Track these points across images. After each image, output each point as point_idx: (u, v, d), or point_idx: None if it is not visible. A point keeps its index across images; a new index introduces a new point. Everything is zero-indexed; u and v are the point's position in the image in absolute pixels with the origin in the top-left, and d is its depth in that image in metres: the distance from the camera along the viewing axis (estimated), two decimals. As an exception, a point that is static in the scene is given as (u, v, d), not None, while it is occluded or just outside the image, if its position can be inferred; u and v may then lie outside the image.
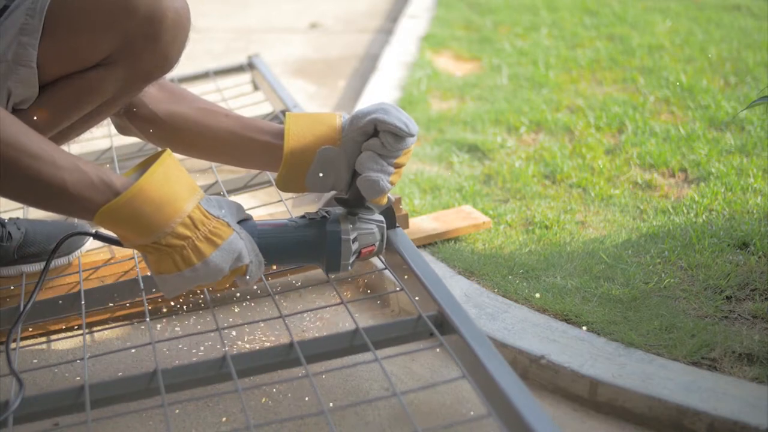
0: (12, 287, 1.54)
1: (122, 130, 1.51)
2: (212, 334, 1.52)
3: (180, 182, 1.20)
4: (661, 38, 3.23)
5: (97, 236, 1.35)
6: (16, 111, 1.29)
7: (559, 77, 2.85)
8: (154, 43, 1.28)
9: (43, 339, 1.57)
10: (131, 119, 1.45)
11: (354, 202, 1.34)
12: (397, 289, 1.39)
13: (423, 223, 1.82)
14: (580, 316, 1.51)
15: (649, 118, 2.43)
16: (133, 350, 1.48)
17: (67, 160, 1.13)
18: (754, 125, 2.31)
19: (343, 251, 1.32)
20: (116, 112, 1.45)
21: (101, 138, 2.25)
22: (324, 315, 1.60)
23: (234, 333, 1.54)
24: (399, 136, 1.28)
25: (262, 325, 1.56)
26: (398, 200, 1.76)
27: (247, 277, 1.26)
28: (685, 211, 1.89)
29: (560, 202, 1.97)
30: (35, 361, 1.51)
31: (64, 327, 1.58)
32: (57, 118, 1.32)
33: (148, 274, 1.50)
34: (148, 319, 1.35)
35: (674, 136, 2.29)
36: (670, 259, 1.68)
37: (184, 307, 1.61)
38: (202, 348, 1.36)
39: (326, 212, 1.35)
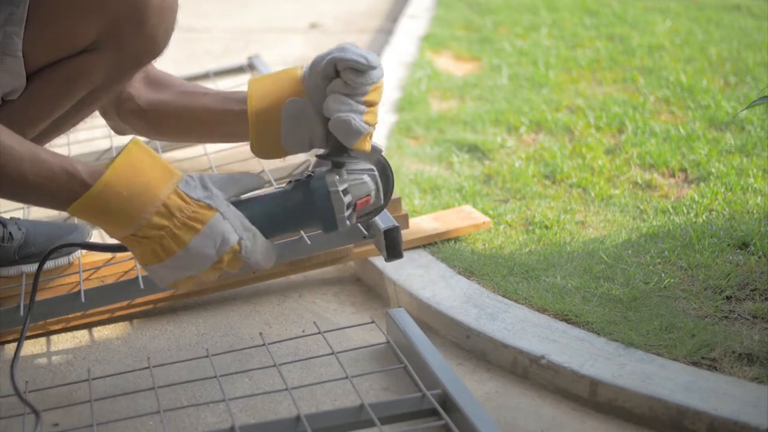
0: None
1: (118, 131, 1.51)
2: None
3: (152, 170, 1.17)
4: (661, 38, 3.23)
5: (88, 246, 1.34)
6: (6, 102, 1.28)
7: (559, 77, 2.85)
8: (140, 26, 1.27)
9: (44, 339, 1.57)
10: (121, 116, 1.44)
11: (335, 152, 1.29)
12: (401, 366, 1.39)
13: (423, 223, 1.82)
14: (580, 316, 1.51)
15: (649, 118, 2.43)
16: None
17: (28, 151, 1.12)
18: (754, 125, 2.31)
19: (334, 205, 1.27)
20: (109, 114, 1.44)
21: (101, 138, 2.26)
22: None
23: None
24: (359, 70, 1.24)
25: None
26: (398, 200, 1.76)
27: (244, 254, 1.21)
28: (685, 211, 1.89)
29: (560, 202, 1.97)
30: (36, 360, 1.51)
31: (63, 327, 1.58)
32: (48, 106, 1.32)
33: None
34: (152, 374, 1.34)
35: (674, 136, 2.29)
36: (670, 259, 1.68)
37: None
38: (207, 414, 1.34)
39: (311, 172, 1.30)
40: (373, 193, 1.31)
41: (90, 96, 1.35)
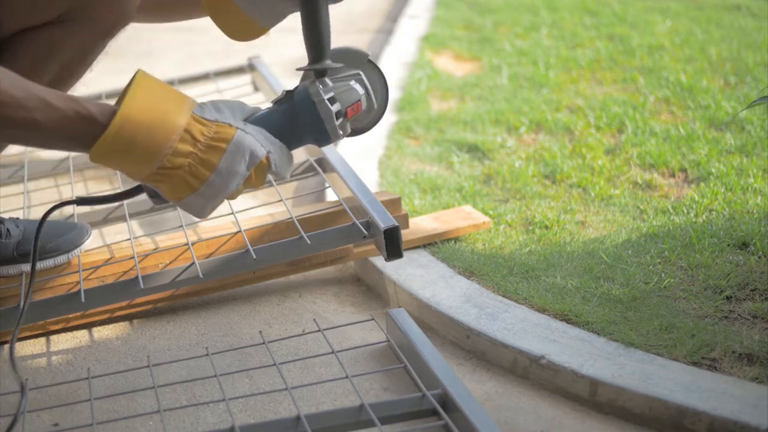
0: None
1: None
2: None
3: (165, 98, 1.13)
4: (661, 38, 3.23)
5: (82, 201, 1.29)
6: None
7: (559, 77, 2.85)
8: None
9: (44, 339, 1.57)
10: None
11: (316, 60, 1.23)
12: (401, 365, 1.39)
13: (423, 223, 1.82)
14: (580, 316, 1.50)
15: (649, 118, 2.43)
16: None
17: (36, 98, 1.08)
18: (754, 125, 2.31)
19: (323, 116, 1.20)
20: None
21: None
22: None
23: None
24: None
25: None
26: (398, 200, 1.76)
27: (274, 168, 1.18)
28: (685, 211, 1.89)
29: (560, 202, 1.97)
30: (36, 360, 1.51)
31: (63, 327, 1.58)
32: None
33: (149, 273, 1.50)
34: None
35: (674, 136, 2.29)
36: (670, 259, 1.68)
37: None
38: (207, 414, 1.35)
39: (294, 88, 1.24)
40: (363, 98, 1.24)
41: (64, 70, 1.33)
